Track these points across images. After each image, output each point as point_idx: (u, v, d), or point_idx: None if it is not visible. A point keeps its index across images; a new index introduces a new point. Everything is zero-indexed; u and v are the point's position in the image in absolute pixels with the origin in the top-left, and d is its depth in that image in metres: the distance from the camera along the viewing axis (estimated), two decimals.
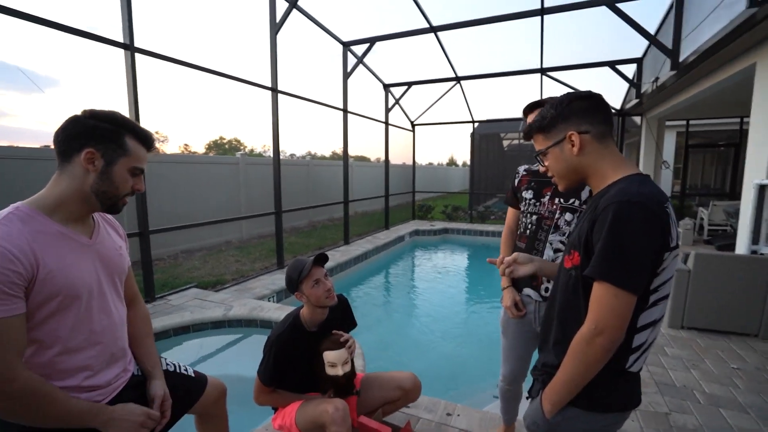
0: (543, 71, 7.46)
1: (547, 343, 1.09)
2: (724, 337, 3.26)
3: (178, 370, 1.38)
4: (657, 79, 5.59)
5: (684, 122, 9.08)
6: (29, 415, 0.91)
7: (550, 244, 1.57)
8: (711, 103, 6.38)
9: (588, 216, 0.96)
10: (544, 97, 1.63)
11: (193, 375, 1.43)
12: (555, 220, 1.57)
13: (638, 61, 6.94)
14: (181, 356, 3.24)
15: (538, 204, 1.63)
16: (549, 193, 1.60)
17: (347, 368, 1.70)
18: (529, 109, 1.65)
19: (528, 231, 1.64)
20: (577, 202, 1.54)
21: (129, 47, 3.49)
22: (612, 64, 6.95)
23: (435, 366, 3.47)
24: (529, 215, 1.65)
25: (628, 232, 0.85)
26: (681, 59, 4.75)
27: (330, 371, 1.69)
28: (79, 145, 0.99)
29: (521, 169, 1.79)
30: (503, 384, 1.86)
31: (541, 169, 1.13)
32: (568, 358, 0.94)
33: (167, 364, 1.38)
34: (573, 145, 1.00)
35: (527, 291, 1.66)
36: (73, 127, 0.99)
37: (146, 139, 1.09)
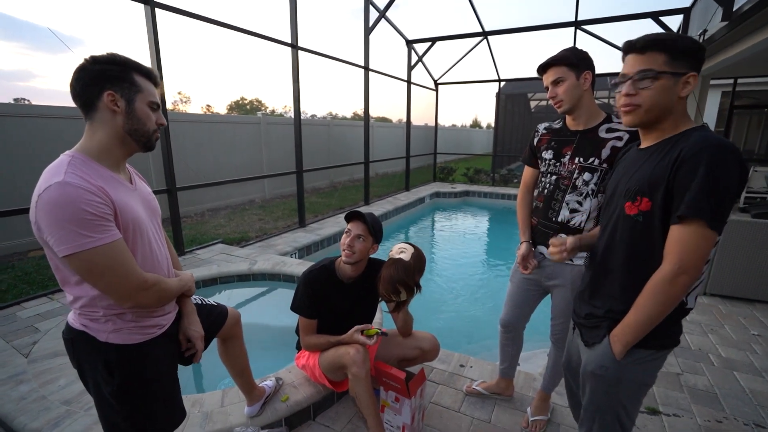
0: (577, 24, 6.94)
1: (601, 292, 1.14)
2: (748, 304, 3.20)
3: (205, 302, 1.55)
4: (705, 31, 5.12)
5: (731, 81, 8.37)
6: (161, 299, 1.14)
7: (567, 204, 1.55)
8: (765, 58, 5.83)
9: (662, 162, 0.97)
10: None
11: (216, 305, 1.59)
12: (573, 180, 1.53)
13: (685, 12, 6.33)
14: None
15: (558, 164, 1.59)
16: (569, 153, 1.55)
17: (404, 257, 1.75)
18: (543, 69, 1.53)
19: (546, 191, 1.63)
20: (596, 161, 1.47)
21: (148, 1, 3.45)
22: (655, 16, 6.37)
23: (451, 324, 3.58)
24: (548, 175, 1.62)
25: (726, 177, 0.88)
26: (735, 8, 4.31)
27: (396, 253, 1.78)
28: (98, 90, 1.01)
29: (541, 127, 1.73)
30: (499, 327, 1.93)
31: (624, 90, 1.02)
32: (645, 299, 0.98)
33: (194, 299, 1.53)
34: (685, 86, 0.96)
35: (541, 248, 1.68)
36: (84, 75, 1.01)
37: (151, 75, 1.12)
